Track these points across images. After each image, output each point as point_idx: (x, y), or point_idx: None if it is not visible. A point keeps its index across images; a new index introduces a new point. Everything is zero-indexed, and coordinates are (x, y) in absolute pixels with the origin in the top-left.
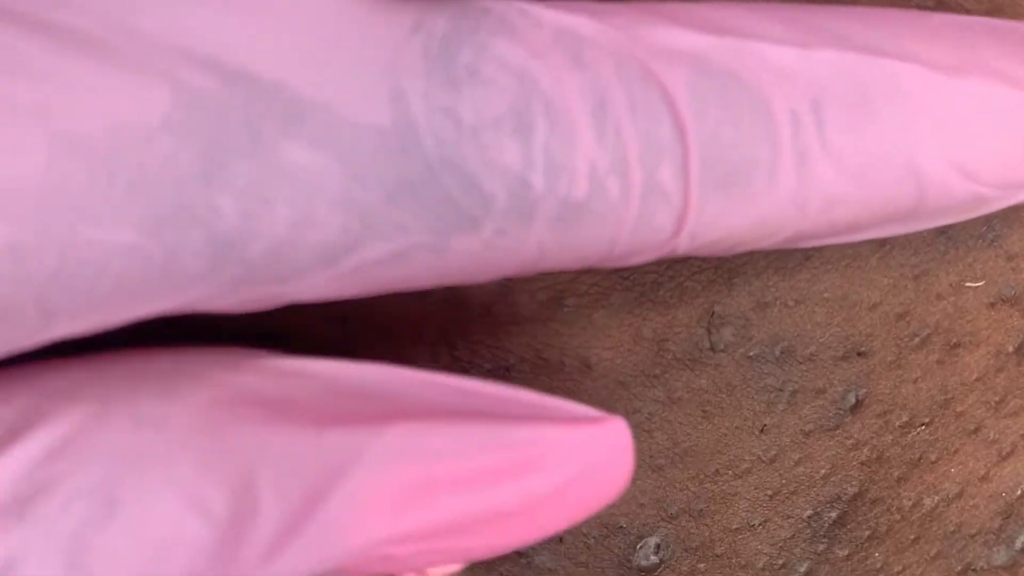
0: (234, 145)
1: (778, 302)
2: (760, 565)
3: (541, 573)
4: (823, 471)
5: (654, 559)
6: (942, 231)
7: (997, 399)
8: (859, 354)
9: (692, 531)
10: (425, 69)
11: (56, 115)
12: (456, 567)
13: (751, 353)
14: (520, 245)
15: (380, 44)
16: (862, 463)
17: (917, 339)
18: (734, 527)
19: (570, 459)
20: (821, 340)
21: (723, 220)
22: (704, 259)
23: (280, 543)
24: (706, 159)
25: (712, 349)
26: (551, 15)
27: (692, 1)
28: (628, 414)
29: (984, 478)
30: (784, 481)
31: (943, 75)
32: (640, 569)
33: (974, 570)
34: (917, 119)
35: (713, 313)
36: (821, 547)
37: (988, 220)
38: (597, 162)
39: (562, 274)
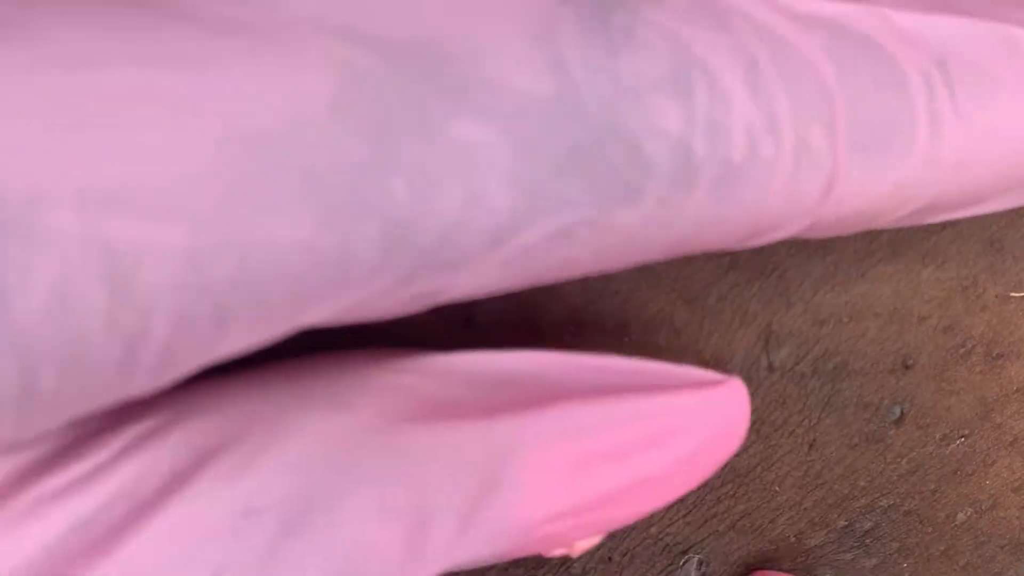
0: (404, 125)
1: (833, 319)
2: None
3: None
4: (862, 483)
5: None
6: (992, 243)
7: None
8: (906, 367)
9: (734, 546)
10: (581, 35)
11: (224, 108)
12: (598, 539)
13: (805, 370)
14: (678, 216)
15: (534, 13)
16: (901, 475)
17: (962, 350)
18: (773, 537)
19: (702, 421)
20: (872, 354)
21: (867, 184)
22: (763, 278)
23: (461, 532)
24: (851, 120)
25: (770, 368)
26: None
27: None
28: None
29: (1018, 489)
30: (824, 493)
31: None
32: None
33: None
34: None
35: (771, 333)
36: (849, 556)
37: None
38: (753, 122)
39: (629, 301)
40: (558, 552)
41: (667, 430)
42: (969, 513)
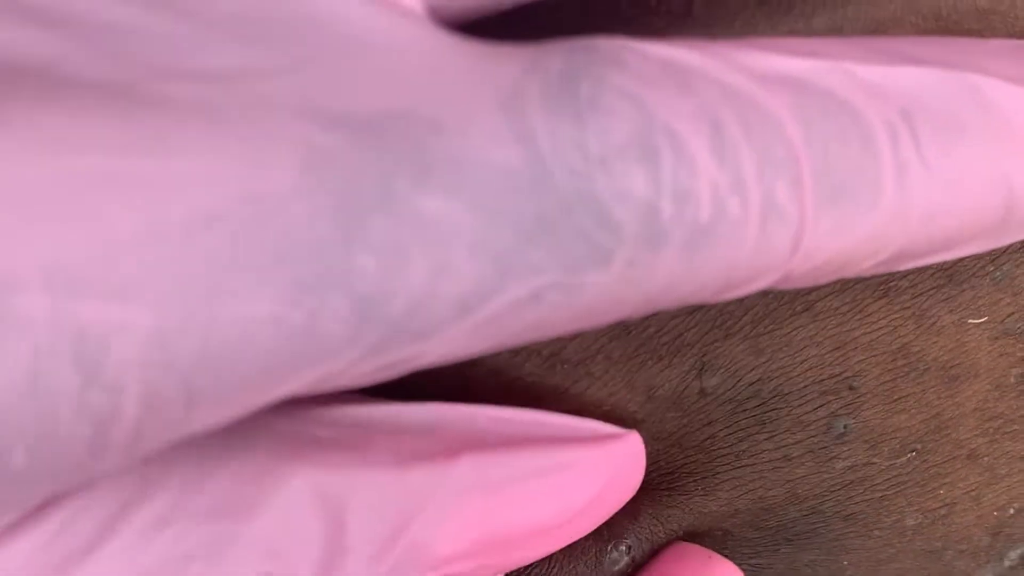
0: (369, 201)
1: (771, 348)
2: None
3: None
4: (801, 491)
5: (626, 558)
6: (946, 271)
7: (995, 426)
8: (851, 388)
9: (659, 535)
10: (547, 105)
11: (188, 191)
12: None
13: (739, 395)
14: (649, 276)
15: (499, 84)
16: (844, 485)
17: (913, 372)
18: (701, 531)
19: (600, 474)
20: (813, 378)
21: (836, 238)
22: (703, 311)
23: (371, 564)
24: (818, 175)
25: (702, 393)
26: (654, 49)
27: (776, 37)
28: None
29: (975, 498)
30: (756, 498)
31: (1020, 87)
32: (613, 565)
33: None
34: (1002, 130)
35: (705, 361)
36: (786, 550)
37: (995, 258)
38: (718, 184)
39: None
40: None
41: (567, 484)
42: (919, 519)
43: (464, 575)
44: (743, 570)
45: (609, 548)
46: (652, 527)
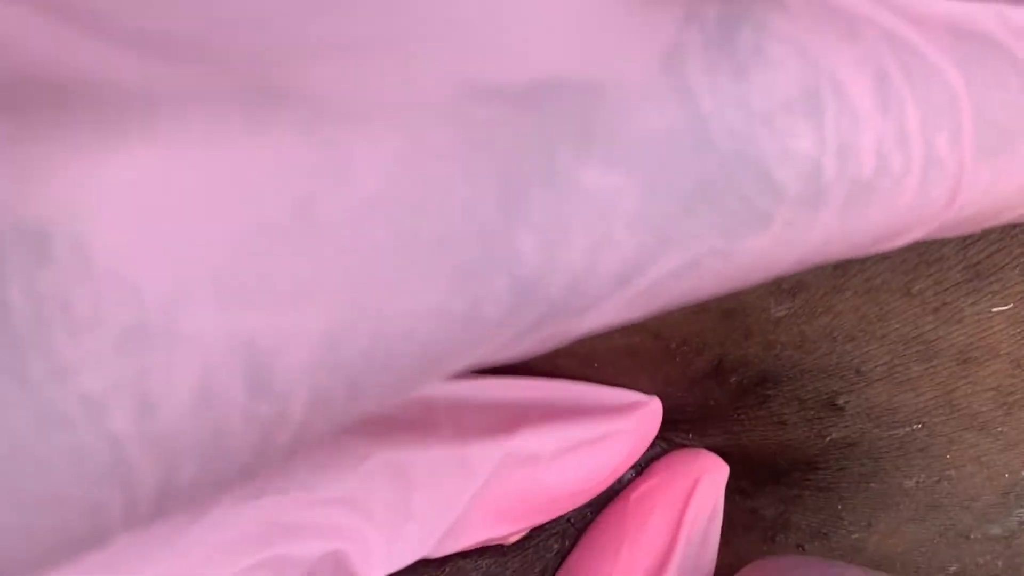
0: (530, 177)
1: (785, 345)
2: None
3: None
4: (792, 447)
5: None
6: (973, 267)
7: (1012, 400)
8: (858, 372)
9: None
10: (708, 58)
11: (350, 178)
12: (526, 530)
13: (747, 384)
14: (806, 235)
15: (657, 39)
16: (840, 450)
17: (926, 355)
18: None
19: (630, 437)
20: (818, 366)
21: (992, 188)
22: (730, 321)
23: (421, 543)
24: (979, 124)
25: (713, 380)
26: None
27: None
28: None
29: (984, 463)
30: (742, 447)
31: None
32: None
33: (967, 538)
34: None
35: (724, 360)
36: (775, 489)
37: None
38: (884, 138)
39: (601, 337)
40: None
41: (605, 451)
42: (922, 479)
43: (504, 536)
44: (733, 498)
45: None
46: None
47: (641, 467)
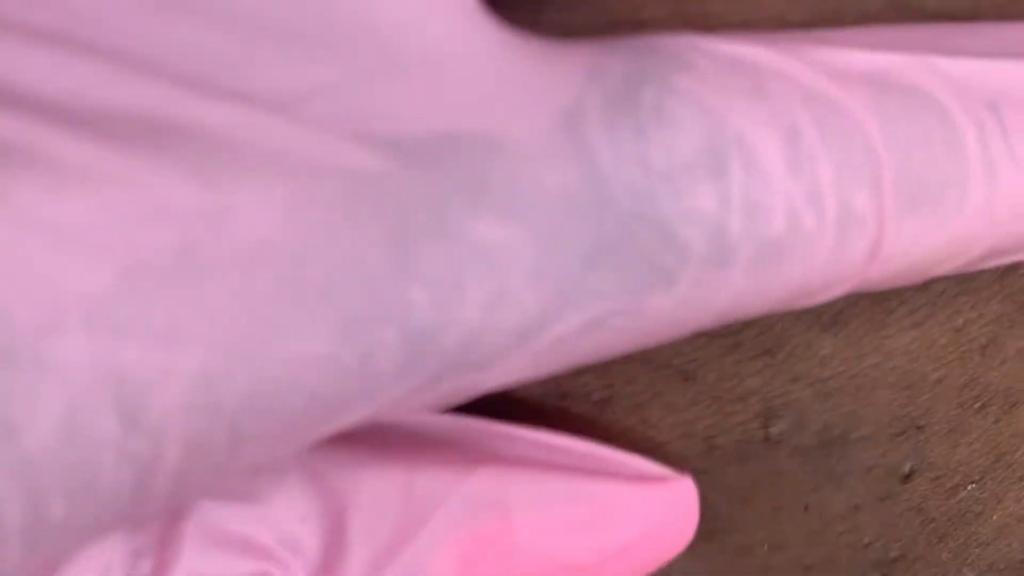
0: (422, 229)
1: (839, 392)
2: None
3: None
4: (867, 540)
5: None
6: (1013, 298)
7: None
8: (917, 428)
9: None
10: (608, 117)
11: (232, 223)
12: None
13: (807, 442)
14: (716, 295)
15: (558, 96)
16: (908, 527)
17: (978, 403)
18: None
19: (640, 516)
20: (879, 421)
21: (917, 243)
22: (769, 355)
23: (371, 570)
24: (899, 181)
25: (766, 440)
26: (724, 46)
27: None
28: None
29: (1022, 517)
30: (825, 551)
31: None
32: None
33: None
34: None
35: (771, 407)
36: None
37: None
38: (793, 196)
39: (618, 375)
40: None
41: (602, 519)
42: (975, 550)
43: None
44: None
45: None
46: None
47: None
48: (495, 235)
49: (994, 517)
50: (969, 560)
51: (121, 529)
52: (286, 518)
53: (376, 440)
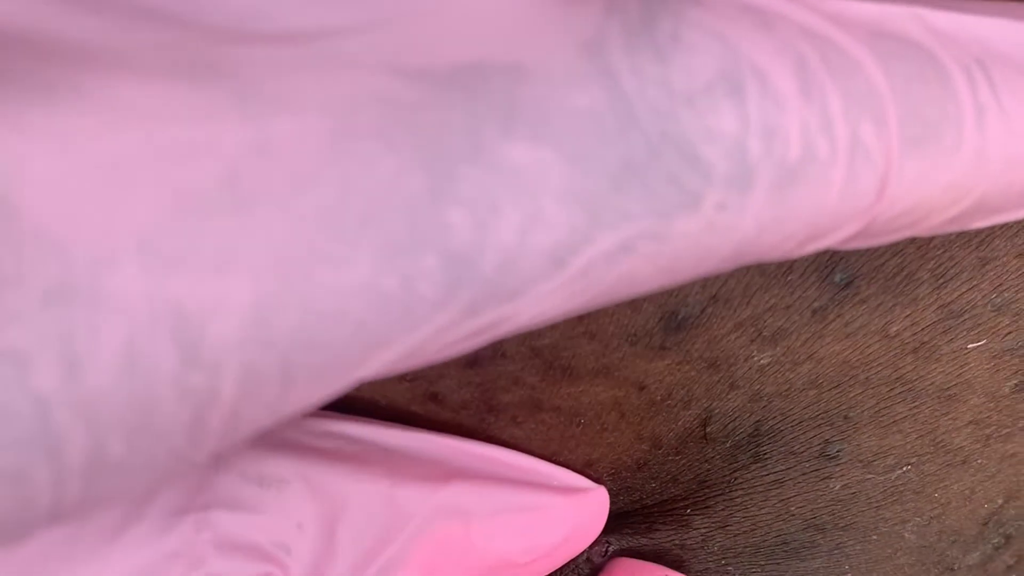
0: (457, 153)
1: (772, 395)
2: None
3: None
4: (792, 508)
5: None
6: (946, 306)
7: (988, 432)
8: (845, 418)
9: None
10: (628, 44)
11: (274, 155)
12: None
13: (736, 437)
14: (737, 221)
15: (579, 28)
16: (840, 500)
17: (909, 396)
18: (694, 544)
19: (567, 522)
20: (805, 414)
21: (918, 184)
22: (713, 371)
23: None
24: (903, 115)
25: (704, 439)
26: None
27: None
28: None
29: (968, 496)
30: (748, 516)
31: None
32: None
33: (952, 570)
34: None
35: (711, 413)
36: (787, 562)
37: (996, 286)
38: (807, 121)
39: (586, 391)
40: None
41: (536, 525)
42: (916, 522)
43: None
44: None
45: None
46: (638, 541)
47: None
48: (527, 157)
49: (936, 495)
50: (912, 527)
51: (174, 474)
52: (286, 526)
53: (365, 456)
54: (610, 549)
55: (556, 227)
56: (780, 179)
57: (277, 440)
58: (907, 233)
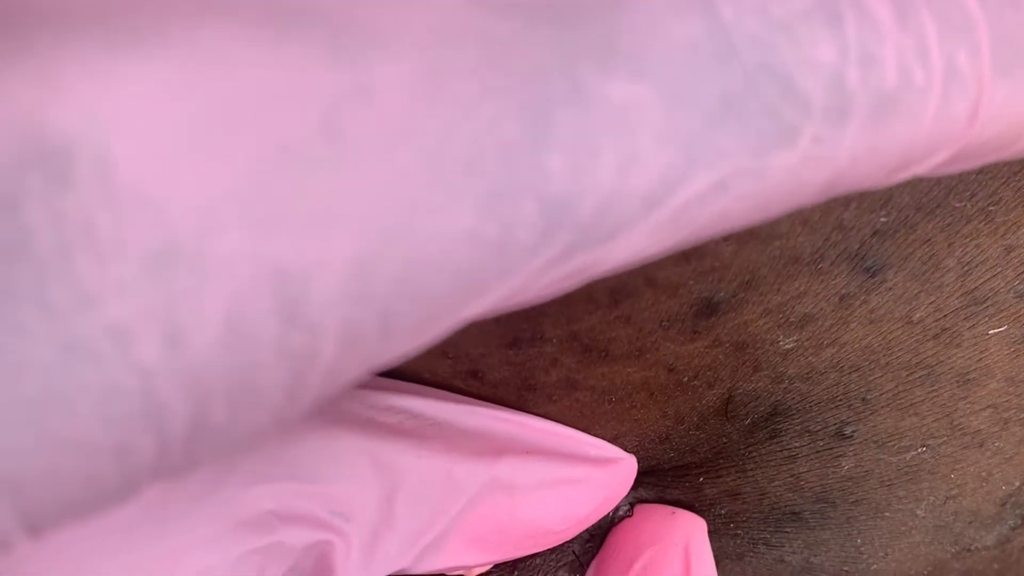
0: (555, 94)
1: (793, 377)
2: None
3: None
4: (803, 483)
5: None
6: (969, 293)
7: (1007, 416)
8: (863, 400)
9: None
10: None
11: (370, 101)
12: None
13: (756, 415)
14: (833, 154)
15: None
16: (851, 478)
17: (928, 381)
18: (704, 508)
19: (602, 489)
20: (824, 396)
21: (1010, 107)
22: (740, 353)
23: (401, 554)
24: (996, 41)
25: (724, 416)
26: None
27: None
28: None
29: (985, 478)
30: (756, 487)
31: None
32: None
33: (969, 550)
34: None
35: (734, 393)
36: (796, 531)
37: (1020, 273)
38: (903, 49)
39: (619, 372)
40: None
41: (577, 496)
42: (931, 501)
43: (474, 565)
44: (758, 550)
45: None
46: (652, 495)
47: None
48: (626, 94)
49: (951, 476)
50: (926, 507)
51: (269, 435)
52: (348, 496)
53: (424, 431)
54: (623, 505)
55: (652, 168)
56: (876, 109)
57: (342, 414)
58: (995, 157)
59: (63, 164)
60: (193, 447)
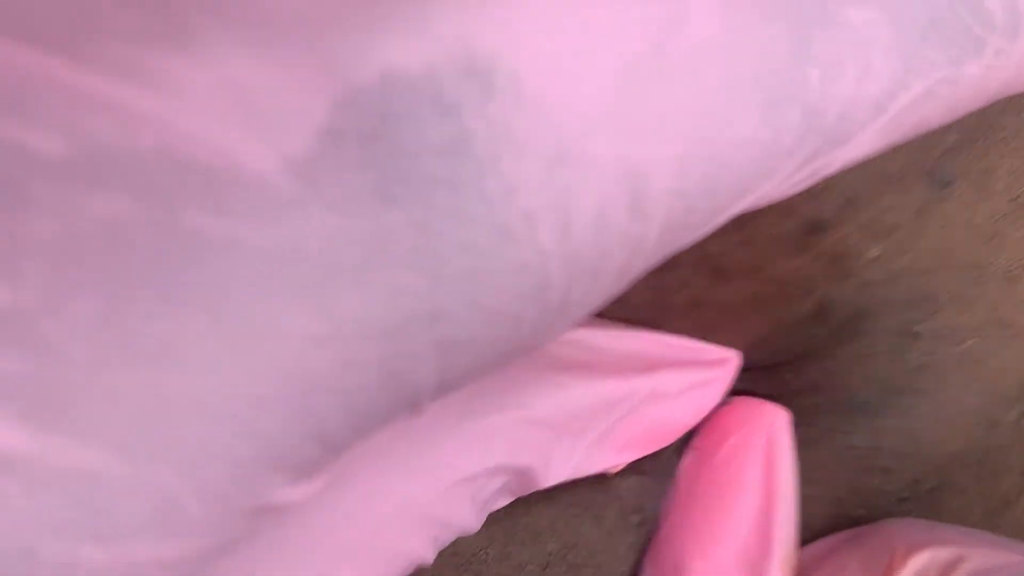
0: (811, 18)
1: (874, 283)
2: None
3: None
4: (874, 375)
5: None
6: (1015, 199)
7: None
8: (931, 300)
9: None
10: None
11: (689, 28)
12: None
13: (838, 321)
14: (1007, 63)
15: None
16: (915, 369)
17: (981, 279)
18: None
19: (722, 386)
20: (897, 298)
21: None
22: (831, 261)
23: (566, 462)
24: None
25: (809, 322)
26: None
27: None
28: None
29: (1015, 364)
30: (839, 380)
31: None
32: None
33: (996, 426)
34: None
35: (823, 302)
36: (864, 420)
37: None
38: None
39: (736, 289)
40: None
41: (706, 395)
42: (976, 388)
43: (625, 462)
44: (832, 437)
45: None
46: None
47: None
48: (861, 17)
49: (992, 363)
50: (973, 392)
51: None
52: (549, 420)
53: (591, 357)
54: None
55: (881, 77)
56: None
57: (540, 353)
58: None
59: (489, 77)
60: (551, 321)
